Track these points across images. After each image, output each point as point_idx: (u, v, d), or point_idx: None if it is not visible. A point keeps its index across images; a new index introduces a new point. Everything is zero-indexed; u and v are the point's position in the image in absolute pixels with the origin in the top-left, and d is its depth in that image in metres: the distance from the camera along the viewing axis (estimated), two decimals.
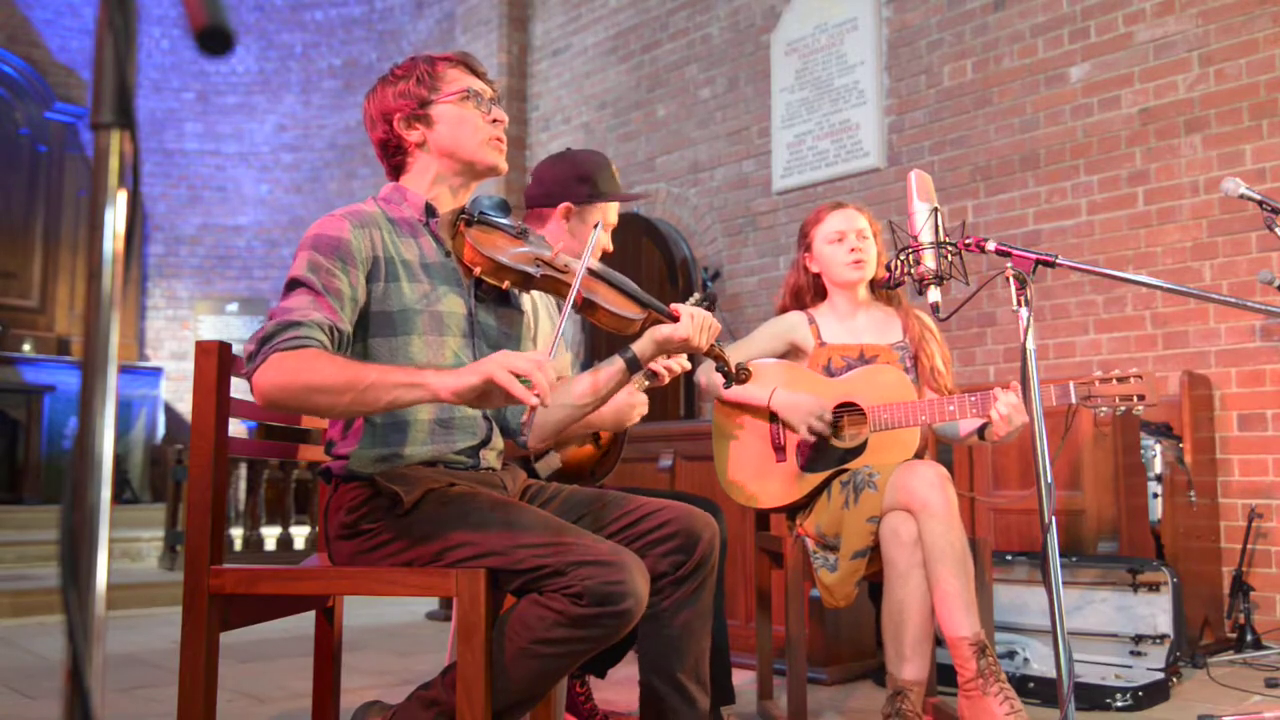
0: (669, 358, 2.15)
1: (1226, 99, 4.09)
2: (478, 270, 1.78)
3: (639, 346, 1.85)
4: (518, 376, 1.47)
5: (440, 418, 1.74)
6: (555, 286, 1.81)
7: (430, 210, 1.80)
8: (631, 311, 1.83)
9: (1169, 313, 4.19)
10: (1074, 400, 2.20)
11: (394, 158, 1.83)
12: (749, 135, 5.97)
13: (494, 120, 1.82)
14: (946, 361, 2.58)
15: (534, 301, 2.34)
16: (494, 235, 1.82)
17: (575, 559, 1.50)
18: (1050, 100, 4.63)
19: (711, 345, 1.87)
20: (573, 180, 2.40)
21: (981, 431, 2.44)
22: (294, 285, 1.63)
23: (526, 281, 1.80)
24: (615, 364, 1.85)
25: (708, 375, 2.57)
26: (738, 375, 1.92)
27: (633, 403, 2.21)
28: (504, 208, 1.87)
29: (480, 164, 1.81)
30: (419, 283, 1.73)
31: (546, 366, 1.49)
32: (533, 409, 1.49)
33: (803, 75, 5.68)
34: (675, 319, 1.84)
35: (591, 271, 1.82)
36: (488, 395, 1.50)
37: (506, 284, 1.80)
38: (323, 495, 1.77)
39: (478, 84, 1.83)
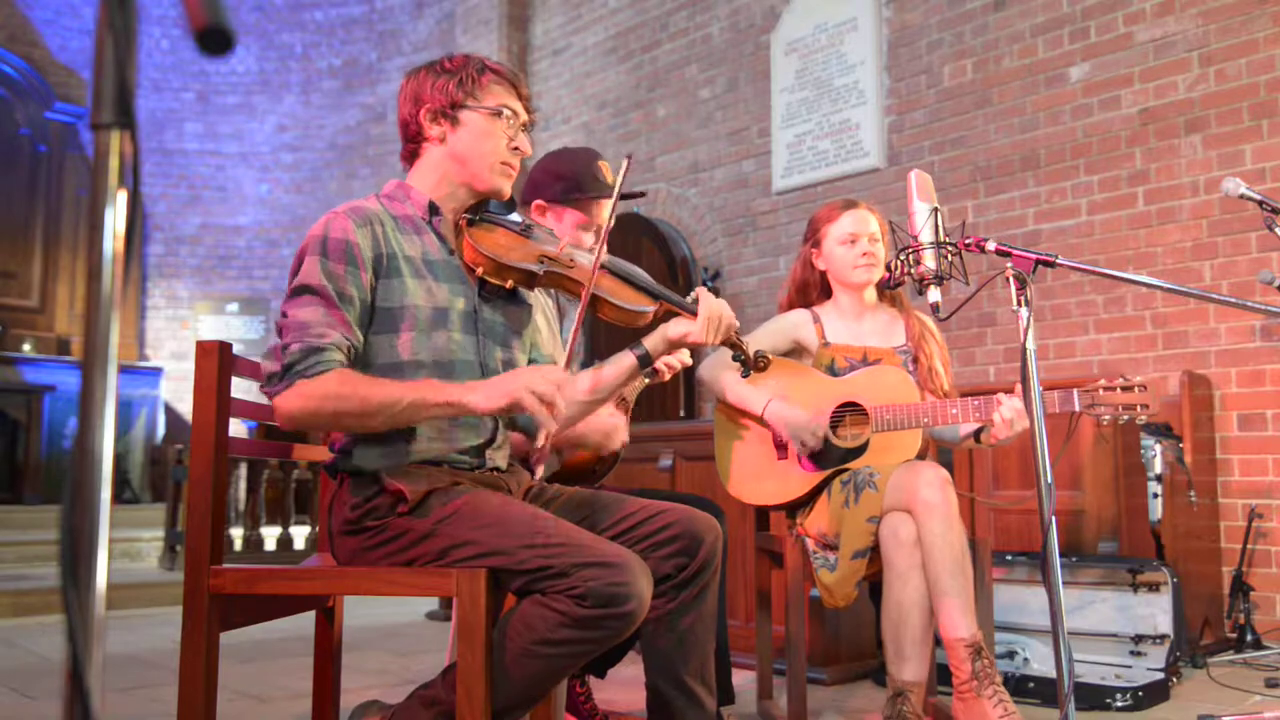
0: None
1: (1226, 99, 4.09)
2: (480, 270, 1.77)
3: (651, 343, 1.83)
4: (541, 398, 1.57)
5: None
6: (561, 283, 1.79)
7: (434, 209, 1.80)
8: (642, 305, 1.80)
9: (1169, 313, 4.19)
10: (1077, 407, 2.19)
11: (409, 142, 1.83)
12: (749, 135, 5.97)
13: (515, 147, 1.81)
14: (945, 363, 2.57)
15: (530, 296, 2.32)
16: (496, 234, 1.81)
17: (579, 560, 1.50)
18: (1050, 100, 4.63)
19: (727, 336, 1.85)
20: (549, 178, 2.37)
21: (978, 435, 2.43)
22: (304, 291, 1.62)
23: (530, 280, 1.79)
24: (626, 360, 1.84)
25: (710, 371, 2.55)
26: (756, 363, 1.88)
27: (616, 425, 2.17)
28: (509, 205, 1.86)
29: (482, 183, 1.80)
30: (421, 279, 1.73)
31: (567, 389, 1.59)
32: (547, 436, 1.66)
33: (803, 75, 5.67)
34: (692, 309, 1.81)
35: (600, 265, 1.79)
36: (515, 410, 1.63)
37: (510, 283, 1.79)
38: (326, 491, 1.77)
39: (516, 105, 1.82)
